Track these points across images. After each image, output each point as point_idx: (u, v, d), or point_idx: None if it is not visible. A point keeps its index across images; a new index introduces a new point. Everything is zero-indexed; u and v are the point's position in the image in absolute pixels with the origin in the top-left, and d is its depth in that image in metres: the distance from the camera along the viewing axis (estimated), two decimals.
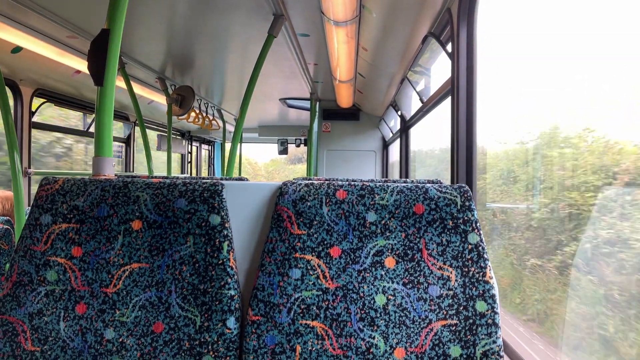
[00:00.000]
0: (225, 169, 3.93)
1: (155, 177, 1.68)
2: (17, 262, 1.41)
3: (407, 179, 1.66)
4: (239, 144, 6.67)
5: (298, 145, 10.31)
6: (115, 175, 1.71)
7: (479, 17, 2.34)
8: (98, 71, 1.68)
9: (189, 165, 10.57)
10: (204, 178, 1.75)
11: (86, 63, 1.72)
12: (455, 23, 2.42)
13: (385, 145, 7.39)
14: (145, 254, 1.41)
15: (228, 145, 8.15)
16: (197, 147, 11.15)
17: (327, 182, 1.48)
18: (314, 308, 1.37)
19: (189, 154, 10.57)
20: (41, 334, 1.37)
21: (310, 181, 1.51)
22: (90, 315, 1.38)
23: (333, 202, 1.43)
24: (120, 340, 1.36)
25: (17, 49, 3.89)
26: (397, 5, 2.85)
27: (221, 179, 1.72)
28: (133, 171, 7.27)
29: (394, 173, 6.94)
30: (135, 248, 1.42)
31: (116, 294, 1.39)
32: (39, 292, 1.39)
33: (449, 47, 2.58)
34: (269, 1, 3.14)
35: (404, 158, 5.70)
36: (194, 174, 10.90)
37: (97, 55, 1.68)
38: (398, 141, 5.91)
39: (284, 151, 10.56)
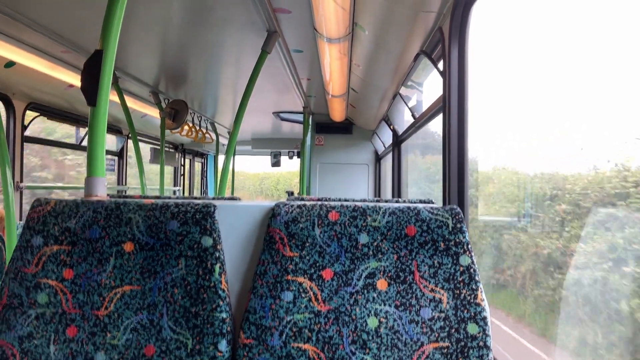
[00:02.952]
0: (218, 184, 3.93)
1: (148, 197, 1.68)
2: (7, 284, 1.41)
3: (400, 199, 1.67)
4: (232, 157, 6.67)
5: (291, 158, 10.32)
6: (108, 195, 1.71)
7: (470, 36, 2.37)
8: (91, 91, 1.69)
9: (182, 178, 10.55)
10: (196, 198, 1.75)
11: (79, 77, 1.72)
12: (447, 42, 2.44)
13: (378, 158, 7.41)
14: (137, 276, 1.41)
15: (222, 158, 8.14)
16: (190, 160, 11.13)
17: (319, 203, 1.49)
18: (306, 331, 1.37)
19: (182, 167, 10.55)
20: (31, 357, 1.36)
21: (303, 202, 1.51)
22: (81, 338, 1.37)
23: (325, 223, 1.43)
24: None
25: (10, 64, 3.89)
26: (389, 23, 2.88)
27: (213, 199, 1.72)
28: (125, 184, 7.25)
29: (387, 186, 6.95)
30: (127, 270, 1.41)
31: (107, 317, 1.39)
32: (29, 315, 1.39)
33: (440, 65, 2.60)
34: (262, 18, 3.16)
35: (396, 173, 5.72)
36: (186, 187, 10.87)
37: (91, 76, 1.69)
38: (390, 155, 5.93)
39: (276, 163, 10.56)
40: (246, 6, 2.99)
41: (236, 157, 10.13)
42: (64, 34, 3.59)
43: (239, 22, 3.33)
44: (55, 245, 1.43)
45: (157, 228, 1.43)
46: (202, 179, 12.19)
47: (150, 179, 8.93)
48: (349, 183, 7.45)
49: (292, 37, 3.67)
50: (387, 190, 7.02)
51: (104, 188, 1.70)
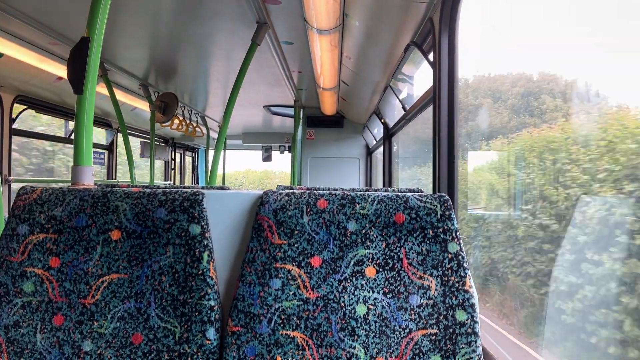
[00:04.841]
0: (208, 176, 3.92)
1: (136, 186, 1.67)
2: None
3: (389, 188, 1.67)
4: (222, 151, 6.65)
5: (282, 152, 10.30)
6: (95, 184, 1.69)
7: (460, 26, 2.37)
8: (77, 79, 1.67)
9: (173, 172, 10.51)
10: (184, 187, 1.74)
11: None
12: (437, 32, 2.44)
13: (369, 152, 7.41)
14: (124, 264, 1.40)
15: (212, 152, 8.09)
16: (180, 154, 11.08)
17: (308, 191, 1.48)
18: (295, 318, 1.37)
19: (173, 161, 10.50)
20: (17, 346, 1.35)
21: (292, 190, 1.51)
22: (67, 327, 1.36)
23: (314, 211, 1.43)
24: (99, 352, 1.34)
25: None
26: (379, 14, 2.87)
27: (202, 188, 1.71)
28: (115, 178, 7.21)
29: (378, 180, 6.96)
30: (114, 258, 1.40)
31: (94, 305, 1.37)
32: (15, 303, 1.37)
33: (430, 56, 2.60)
34: (252, 9, 3.15)
35: (387, 166, 5.72)
36: (177, 181, 10.84)
37: (77, 64, 1.67)
38: (381, 148, 5.93)
39: (267, 158, 10.53)
40: None
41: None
42: (51, 26, 3.55)
43: (228, 13, 3.31)
44: (41, 234, 1.41)
45: (145, 216, 1.41)
46: (193, 173, 12.15)
47: (141, 171, 8.87)
48: (340, 177, 7.45)
49: (282, 28, 3.65)
50: (378, 185, 7.02)
51: (91, 177, 1.68)
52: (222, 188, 1.79)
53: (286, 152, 10.22)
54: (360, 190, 1.54)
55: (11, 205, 1.46)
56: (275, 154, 10.60)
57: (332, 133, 7.47)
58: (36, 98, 5.04)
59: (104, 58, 4.51)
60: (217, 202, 1.52)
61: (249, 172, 21.43)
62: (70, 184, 1.69)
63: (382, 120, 5.54)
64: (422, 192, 1.58)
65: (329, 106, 6.51)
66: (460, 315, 1.36)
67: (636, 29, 2.20)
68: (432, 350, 1.34)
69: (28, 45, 3.93)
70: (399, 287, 1.38)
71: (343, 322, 1.36)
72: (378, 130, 6.35)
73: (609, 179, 2.20)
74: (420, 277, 1.38)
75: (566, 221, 2.58)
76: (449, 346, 1.34)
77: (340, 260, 1.40)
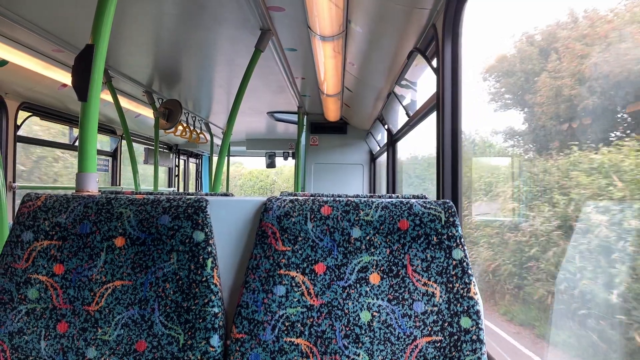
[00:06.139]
0: (212, 183, 3.92)
1: (140, 193, 1.67)
2: None
3: (393, 194, 1.66)
4: (226, 158, 6.66)
5: (286, 159, 10.31)
6: (99, 191, 1.70)
7: (464, 32, 2.37)
8: (82, 87, 1.68)
9: (177, 179, 10.52)
10: (188, 193, 1.74)
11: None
12: (440, 38, 2.44)
13: (373, 158, 7.41)
14: (128, 271, 1.40)
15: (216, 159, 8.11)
16: (184, 160, 11.10)
17: (312, 197, 1.48)
18: (299, 325, 1.36)
19: (177, 168, 10.52)
20: (21, 353, 1.35)
21: (295, 197, 1.50)
22: (71, 333, 1.36)
23: (318, 218, 1.42)
24: (103, 359, 1.34)
25: (3, 63, 3.87)
26: (383, 20, 2.88)
27: (206, 195, 1.71)
28: (120, 185, 7.23)
29: (382, 186, 6.95)
30: (118, 265, 1.40)
31: (98, 312, 1.37)
32: (19, 310, 1.37)
33: (434, 62, 2.60)
34: (255, 16, 3.16)
35: (390, 172, 5.72)
36: (181, 188, 10.85)
37: (82, 71, 1.68)
38: (385, 155, 5.93)
39: (271, 164, 10.54)
40: (239, 4, 2.99)
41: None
42: (55, 33, 3.57)
43: (232, 20, 3.32)
44: (45, 241, 1.41)
45: (149, 223, 1.41)
46: (196, 179, 12.16)
47: (145, 180, 8.89)
48: (344, 183, 7.45)
49: (285, 35, 3.66)
50: (382, 191, 7.01)
51: (95, 184, 1.69)
52: (226, 195, 1.79)
53: (290, 159, 10.23)
54: (364, 197, 1.54)
55: (16, 212, 1.46)
56: (279, 160, 10.62)
57: (335, 139, 7.47)
58: (41, 105, 5.07)
59: (108, 65, 4.53)
60: (221, 208, 1.52)
61: (284, 167, 21.66)
62: (74, 190, 1.69)
63: (386, 127, 5.54)
64: (426, 198, 1.58)
65: (332, 112, 6.52)
66: (465, 322, 1.35)
67: None
68: (436, 357, 1.33)
69: (33, 53, 3.95)
70: (403, 294, 1.38)
71: (347, 329, 1.36)
72: (382, 137, 6.35)
73: None
74: (425, 284, 1.38)
75: None
76: (453, 353, 1.33)
77: (344, 267, 1.40)
